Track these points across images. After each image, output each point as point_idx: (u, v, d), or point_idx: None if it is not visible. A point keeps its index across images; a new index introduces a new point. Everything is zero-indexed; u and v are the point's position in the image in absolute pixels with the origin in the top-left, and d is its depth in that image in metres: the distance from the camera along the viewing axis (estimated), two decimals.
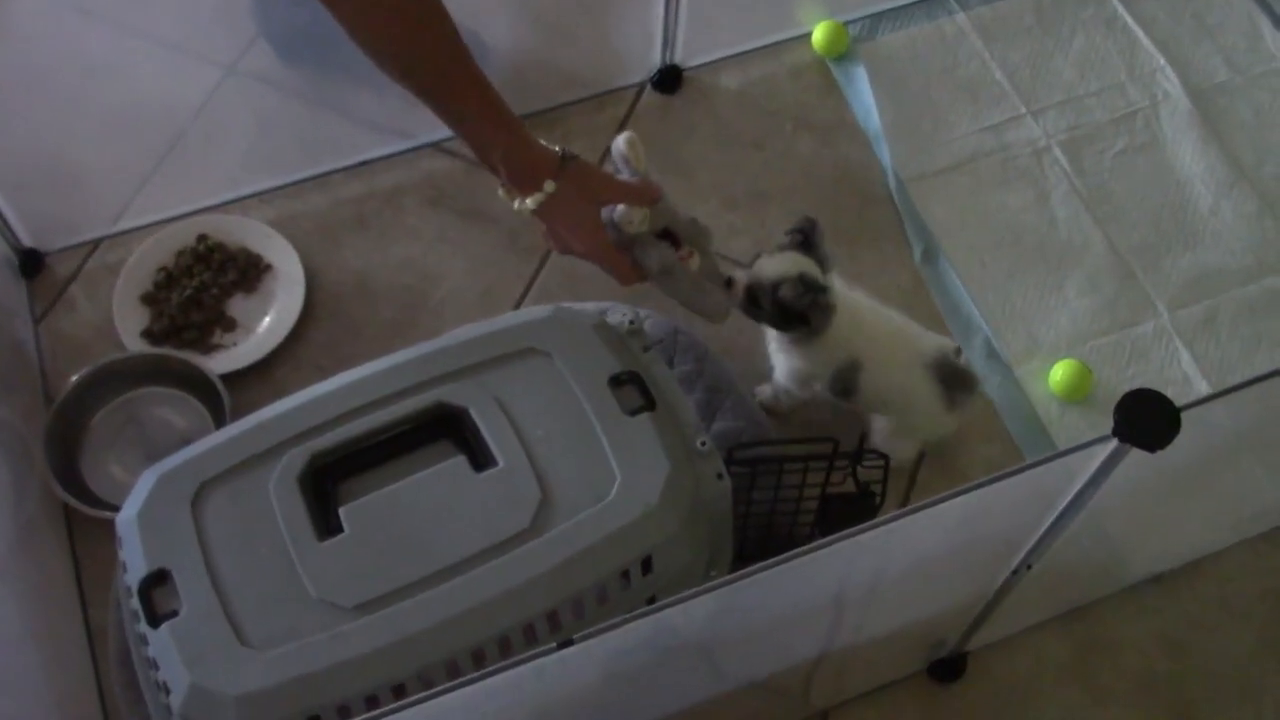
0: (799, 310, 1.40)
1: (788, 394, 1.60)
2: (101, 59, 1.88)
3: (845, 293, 1.48)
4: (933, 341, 1.52)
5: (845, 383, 1.49)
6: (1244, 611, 1.59)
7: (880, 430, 1.57)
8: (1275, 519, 1.64)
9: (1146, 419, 0.94)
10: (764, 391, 1.65)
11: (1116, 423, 0.94)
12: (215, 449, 1.27)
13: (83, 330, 1.72)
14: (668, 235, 1.41)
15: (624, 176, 1.41)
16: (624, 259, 1.39)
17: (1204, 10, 2.04)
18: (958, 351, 1.52)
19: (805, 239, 1.44)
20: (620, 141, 1.41)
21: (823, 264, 1.44)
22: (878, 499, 1.42)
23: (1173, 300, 1.77)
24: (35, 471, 1.55)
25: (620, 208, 1.36)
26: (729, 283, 1.44)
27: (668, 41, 1.88)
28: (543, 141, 1.34)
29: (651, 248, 1.39)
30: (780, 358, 1.55)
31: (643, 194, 1.37)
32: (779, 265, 1.41)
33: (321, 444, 1.25)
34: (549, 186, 1.33)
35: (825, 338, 1.45)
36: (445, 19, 1.24)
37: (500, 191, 1.38)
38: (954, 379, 1.50)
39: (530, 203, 1.34)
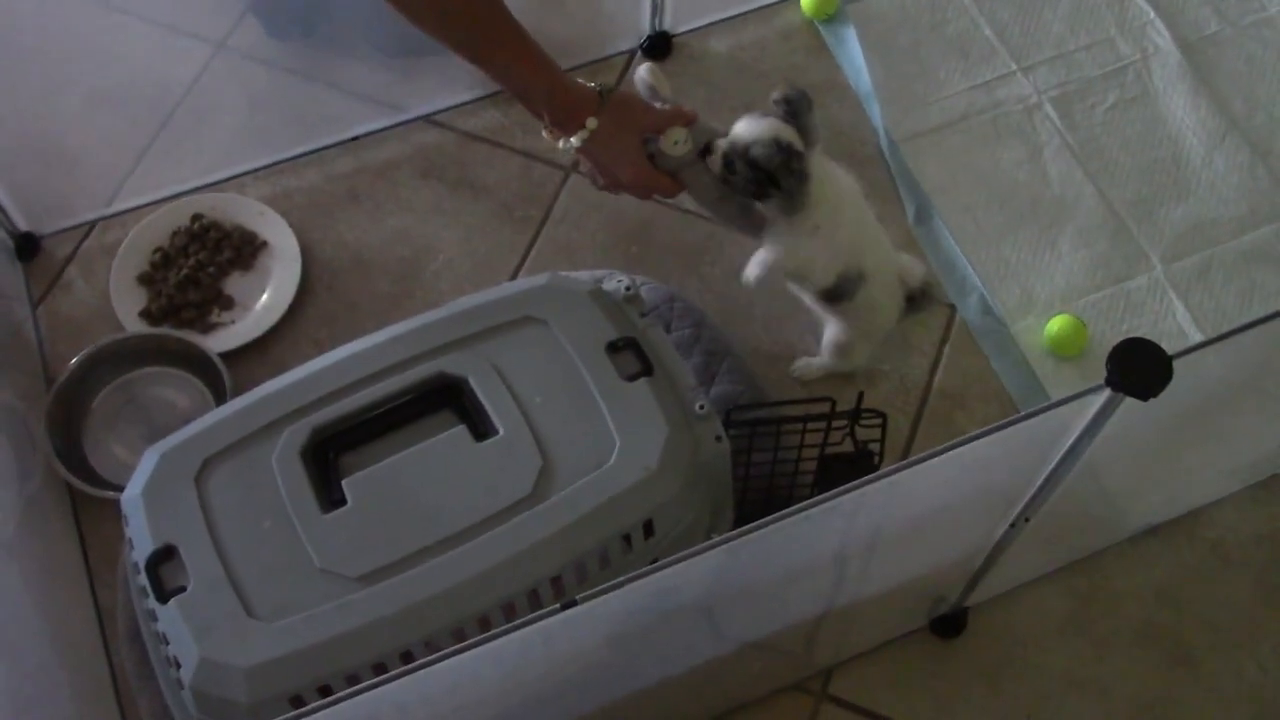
0: (769, 171, 1.36)
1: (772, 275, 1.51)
2: (90, 39, 1.88)
3: (860, 201, 1.47)
4: (907, 263, 1.56)
5: (844, 290, 1.48)
6: (1241, 560, 1.60)
7: (832, 338, 1.59)
8: (1271, 466, 1.65)
9: (1139, 368, 0.95)
10: (806, 364, 1.68)
11: (1109, 372, 0.95)
12: (217, 425, 1.28)
13: (81, 312, 1.72)
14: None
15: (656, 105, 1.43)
16: (672, 182, 1.42)
17: None
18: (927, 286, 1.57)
19: (790, 109, 1.39)
20: (643, 71, 1.42)
21: (807, 136, 1.39)
22: (876, 458, 1.42)
23: (1166, 253, 1.78)
24: (38, 453, 1.56)
25: (661, 136, 1.39)
26: (707, 149, 1.40)
27: (657, 8, 1.88)
28: (583, 83, 1.37)
29: (700, 168, 1.40)
30: (781, 242, 1.45)
31: (680, 116, 1.41)
32: (755, 128, 1.38)
33: (323, 417, 1.26)
34: (591, 123, 1.35)
35: (831, 231, 1.42)
36: None
37: (544, 134, 1.39)
38: (918, 299, 1.57)
39: (576, 140, 1.37)
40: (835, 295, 1.49)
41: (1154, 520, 1.62)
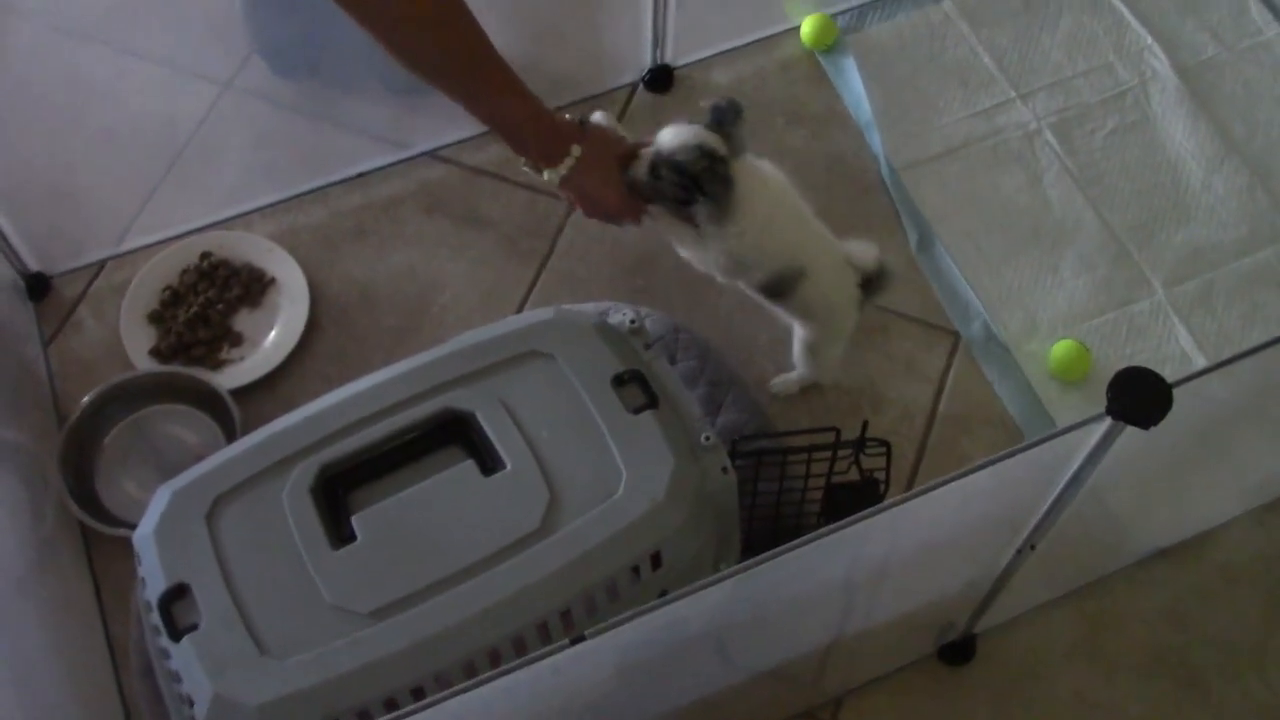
0: (693, 175, 1.36)
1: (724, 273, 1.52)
2: (98, 80, 1.90)
3: (793, 200, 1.47)
4: (857, 248, 1.51)
5: (784, 285, 1.47)
6: (1249, 581, 1.60)
7: (798, 342, 1.60)
8: (1277, 488, 1.65)
9: (1139, 396, 0.96)
10: (784, 380, 1.68)
11: (1110, 401, 0.96)
12: (227, 464, 1.29)
13: (92, 351, 1.74)
14: None
15: None
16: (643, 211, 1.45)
17: None
18: (881, 267, 1.53)
19: (717, 116, 1.40)
20: (599, 116, 1.45)
21: (732, 143, 1.39)
22: (882, 486, 1.43)
23: (1168, 277, 1.79)
24: (51, 492, 1.57)
25: (633, 165, 1.42)
26: (634, 156, 1.41)
27: (658, 41, 1.90)
28: (561, 114, 1.41)
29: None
30: (708, 246, 1.45)
31: (648, 145, 1.43)
32: (678, 135, 1.39)
33: (332, 454, 1.28)
34: (576, 150, 1.38)
35: (764, 231, 1.42)
36: (468, 16, 1.28)
37: (525, 167, 1.42)
38: (875, 281, 1.52)
39: (563, 169, 1.39)
40: (775, 291, 1.48)
41: (1161, 543, 1.63)
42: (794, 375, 1.68)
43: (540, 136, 1.38)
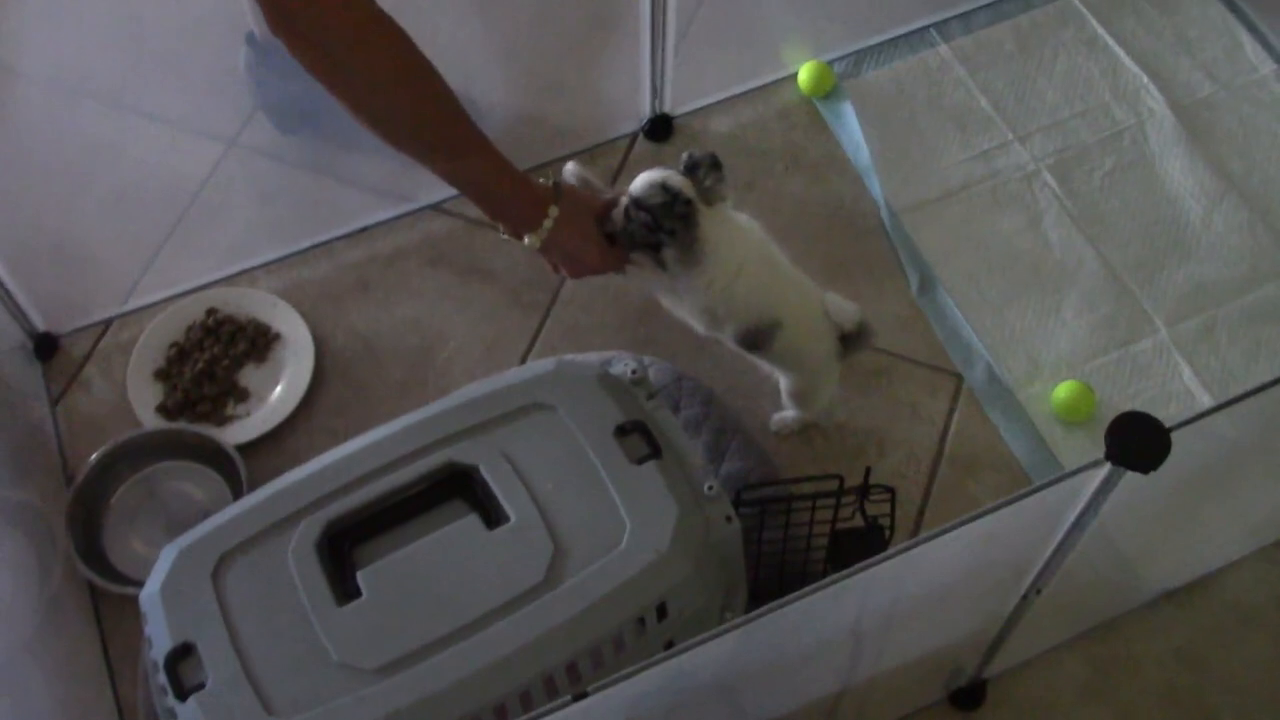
0: (651, 210, 1.37)
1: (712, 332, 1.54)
2: (104, 140, 1.92)
3: (769, 252, 1.47)
4: (837, 305, 1.51)
5: (760, 338, 1.48)
6: (1260, 620, 1.59)
7: (784, 388, 1.61)
8: None
9: (1138, 441, 0.96)
10: (782, 419, 1.68)
11: (1108, 446, 0.96)
12: (232, 521, 1.30)
13: (99, 409, 1.75)
14: None
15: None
16: (627, 258, 1.46)
17: (1183, 25, 2.06)
18: (861, 326, 1.52)
19: (690, 163, 1.42)
20: (572, 166, 1.48)
21: (705, 192, 1.41)
22: (887, 532, 1.43)
23: (1170, 315, 1.79)
24: (59, 551, 1.58)
25: (612, 215, 1.43)
26: (611, 206, 1.43)
27: (656, 91, 1.92)
28: (534, 178, 1.41)
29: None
30: (682, 295, 1.48)
31: (623, 196, 1.44)
32: (646, 176, 1.40)
33: (336, 510, 1.28)
34: (553, 211, 1.39)
35: (735, 281, 1.43)
36: (440, 84, 1.28)
37: (504, 235, 1.43)
38: (854, 339, 1.52)
39: (542, 233, 1.39)
40: (752, 343, 1.49)
41: (1171, 584, 1.62)
42: (790, 415, 1.68)
43: (516, 201, 1.38)
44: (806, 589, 0.97)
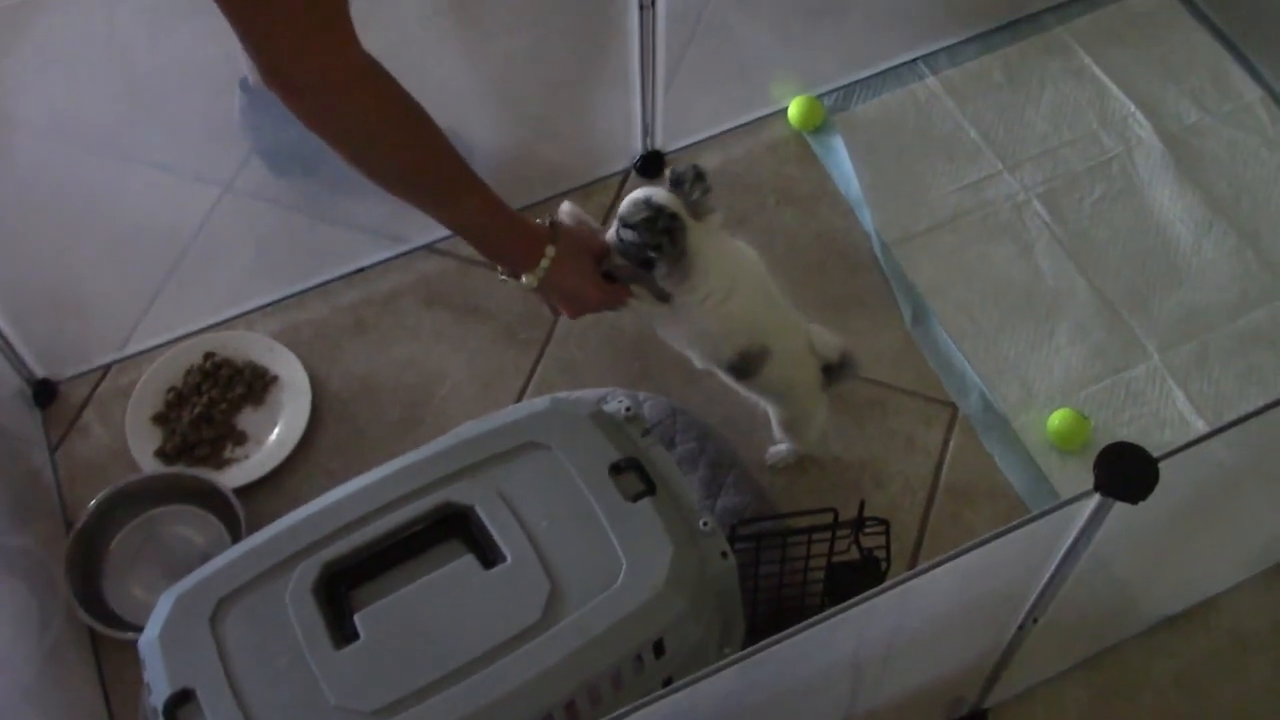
0: (633, 225, 1.38)
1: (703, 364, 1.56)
2: (101, 187, 1.94)
3: (760, 274, 1.48)
4: (822, 337, 1.52)
5: (751, 364, 1.48)
6: (1259, 646, 1.59)
7: (775, 419, 1.63)
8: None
9: (1126, 471, 0.97)
10: (777, 453, 1.69)
11: (1096, 478, 0.97)
12: (230, 566, 1.30)
13: (98, 454, 1.76)
14: None
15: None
16: (626, 292, 1.47)
17: (1169, 54, 2.08)
18: (845, 357, 1.54)
19: (676, 179, 1.42)
20: (567, 206, 1.48)
21: (693, 207, 1.42)
22: (883, 564, 1.43)
23: (1163, 341, 1.80)
24: (59, 597, 1.58)
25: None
26: (608, 248, 1.45)
27: (647, 128, 1.93)
28: (531, 218, 1.42)
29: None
30: (680, 319, 1.48)
31: None
32: (631, 196, 1.42)
33: (333, 553, 1.28)
34: (550, 251, 1.40)
35: (727, 299, 1.43)
36: (433, 129, 1.29)
37: (502, 277, 1.44)
38: (837, 370, 1.54)
39: (539, 272, 1.40)
40: (742, 372, 1.50)
41: (1170, 610, 1.62)
42: (785, 448, 1.69)
43: (513, 242, 1.40)
44: (802, 624, 0.97)
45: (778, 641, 0.97)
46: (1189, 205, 1.92)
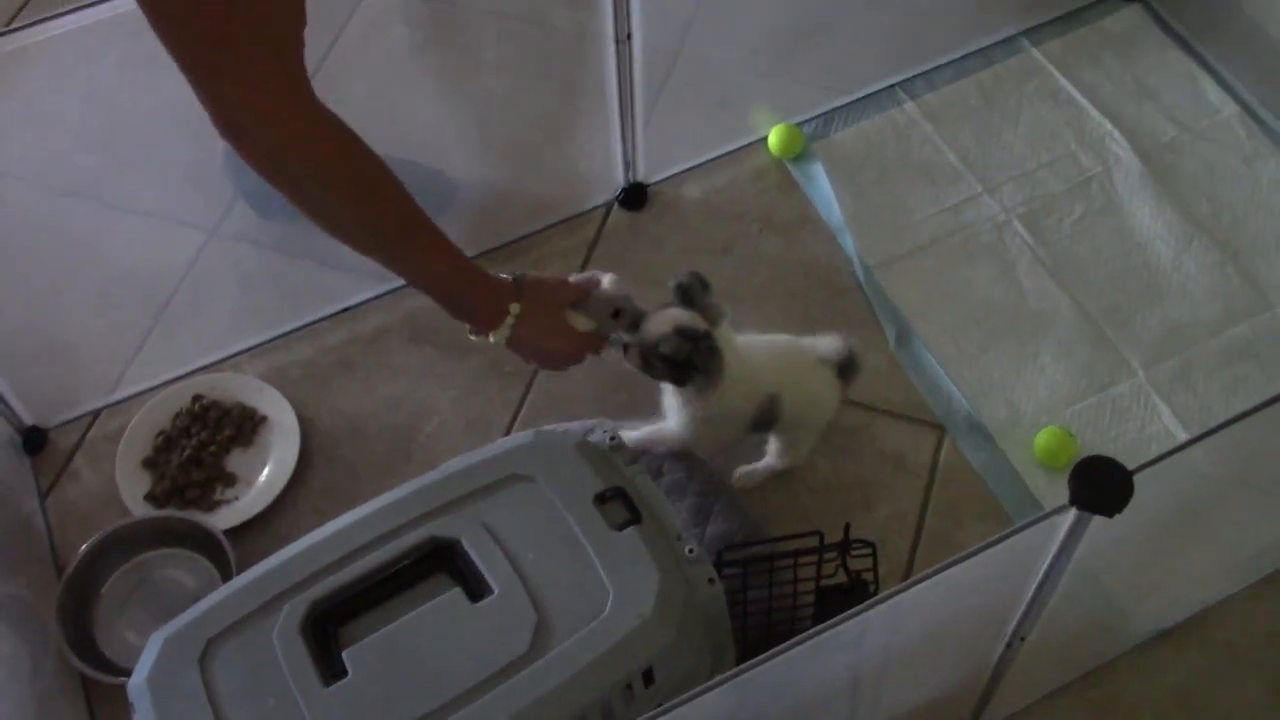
0: (682, 360, 1.43)
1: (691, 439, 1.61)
2: (87, 234, 1.95)
3: (739, 339, 1.51)
4: (825, 345, 1.59)
5: (769, 416, 1.54)
6: (1253, 659, 1.59)
7: (774, 451, 1.68)
8: (1272, 562, 1.65)
9: (1101, 485, 0.97)
10: (749, 474, 1.72)
11: (1072, 491, 0.97)
12: (217, 607, 1.30)
13: (88, 500, 1.76)
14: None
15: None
16: (600, 340, 1.48)
17: (1144, 72, 2.10)
18: (850, 352, 1.60)
19: (685, 294, 1.46)
20: (609, 284, 1.48)
21: (709, 314, 1.46)
22: (871, 587, 1.43)
23: (1146, 357, 1.81)
24: (50, 644, 1.58)
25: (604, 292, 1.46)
26: (625, 349, 1.47)
27: (628, 161, 1.95)
28: (495, 273, 1.41)
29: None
30: (684, 411, 1.54)
31: (591, 284, 1.46)
32: (658, 323, 1.44)
33: (320, 590, 1.29)
34: (515, 308, 1.39)
35: (734, 383, 1.48)
36: (393, 184, 1.27)
37: (470, 336, 1.43)
38: (849, 367, 1.60)
39: (505, 329, 1.40)
40: (763, 425, 1.55)
41: (1163, 624, 1.62)
42: (760, 465, 1.71)
43: (476, 299, 1.38)
44: (787, 643, 0.98)
45: (763, 661, 0.98)
46: (1169, 222, 1.93)
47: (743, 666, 0.98)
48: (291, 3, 1.12)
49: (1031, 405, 1.78)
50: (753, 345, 1.52)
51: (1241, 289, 1.86)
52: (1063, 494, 1.68)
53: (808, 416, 1.62)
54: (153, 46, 1.16)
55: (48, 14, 1.42)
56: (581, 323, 1.46)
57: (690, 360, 1.42)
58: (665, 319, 1.44)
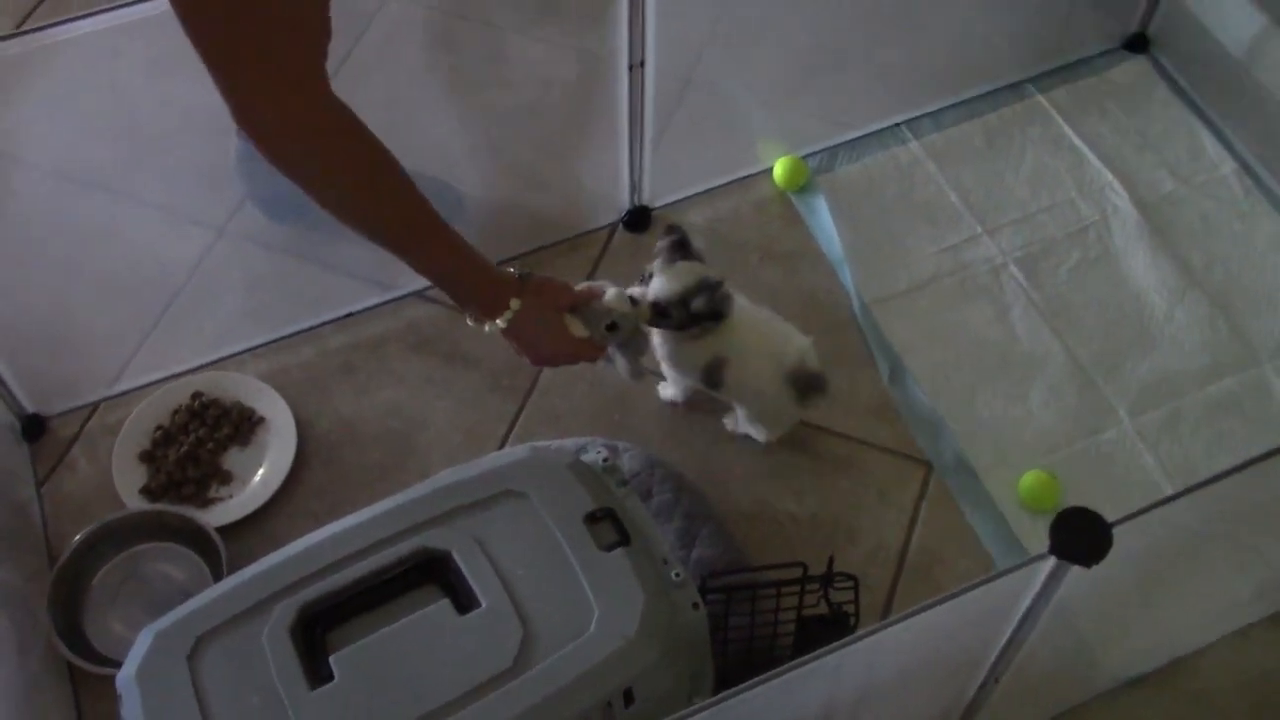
0: (715, 309, 1.55)
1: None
2: (97, 226, 1.97)
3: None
4: (794, 345, 1.66)
5: (713, 376, 1.65)
6: (1224, 708, 1.61)
7: (740, 417, 1.76)
8: (1246, 614, 1.67)
9: (1080, 536, 1.00)
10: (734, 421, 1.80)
11: (1052, 541, 1.00)
12: (209, 604, 1.32)
13: (84, 490, 1.78)
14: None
15: None
16: (595, 349, 1.55)
17: (1146, 124, 2.14)
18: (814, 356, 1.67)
19: (682, 243, 1.57)
20: (611, 295, 1.54)
21: (702, 260, 1.58)
22: (852, 619, 1.46)
23: (1134, 406, 1.83)
24: (39, 632, 1.60)
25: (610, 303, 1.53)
26: (632, 302, 1.54)
27: (635, 184, 1.98)
28: (501, 268, 1.46)
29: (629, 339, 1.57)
30: (666, 349, 1.66)
31: (591, 294, 1.53)
32: (680, 278, 1.55)
33: (311, 594, 1.31)
34: (515, 304, 1.44)
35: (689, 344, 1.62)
36: (402, 177, 1.33)
37: (469, 321, 1.48)
38: (807, 384, 1.66)
39: (501, 322, 1.45)
40: (710, 382, 1.66)
41: (1136, 671, 1.64)
42: (733, 421, 1.80)
43: (479, 290, 1.44)
44: (769, 673, 1.00)
45: (745, 690, 1.00)
46: (1163, 273, 1.96)
47: (727, 693, 1.00)
48: (316, 13, 1.17)
49: (1018, 447, 1.80)
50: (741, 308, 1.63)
51: (1231, 343, 1.89)
52: (1044, 537, 1.73)
53: (748, 397, 1.70)
54: (170, 49, 1.20)
55: (75, 14, 1.44)
56: (576, 328, 1.51)
57: (714, 308, 1.54)
58: (687, 273, 1.54)
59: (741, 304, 1.64)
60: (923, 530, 1.75)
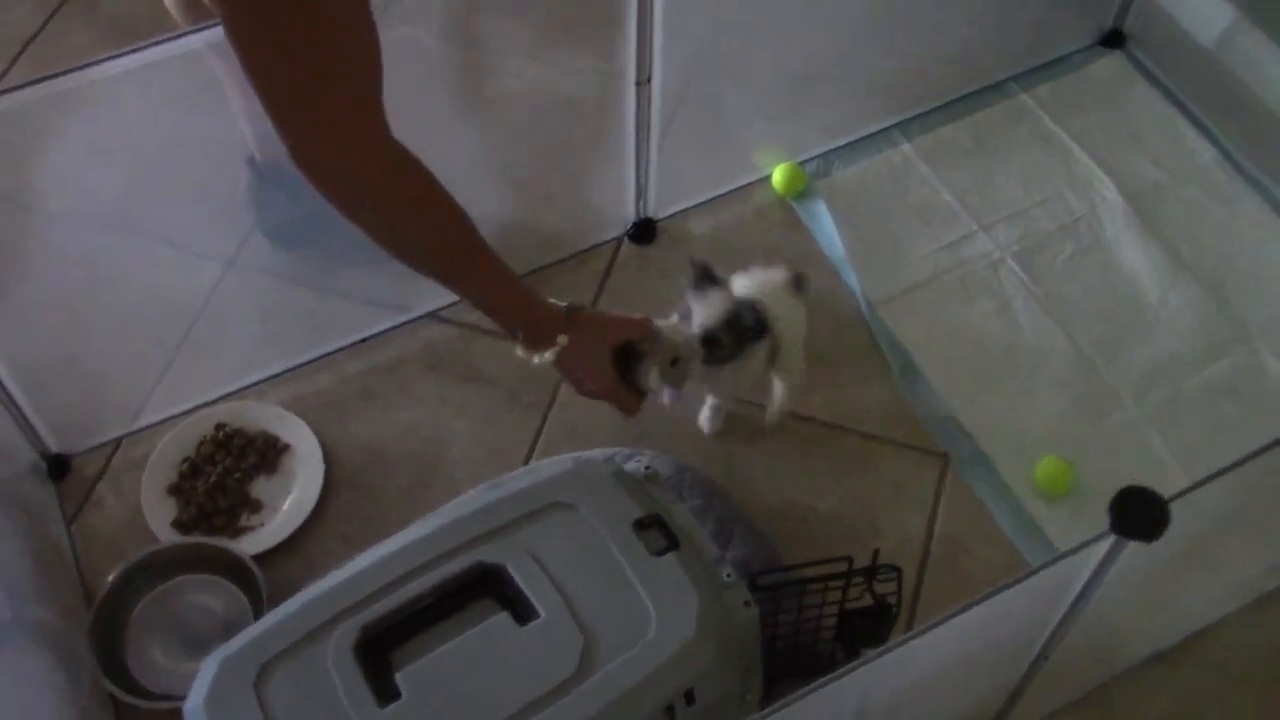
0: (759, 328, 1.65)
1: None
2: (110, 264, 1.96)
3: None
4: (784, 278, 1.76)
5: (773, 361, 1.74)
6: (1245, 676, 1.67)
7: (777, 395, 1.82)
8: (1263, 585, 1.73)
9: (1140, 513, 1.05)
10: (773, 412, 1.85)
11: (1112, 520, 1.04)
12: (271, 630, 1.34)
13: (113, 526, 1.78)
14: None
15: None
16: (635, 397, 1.56)
17: (1129, 119, 2.20)
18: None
19: (707, 274, 1.64)
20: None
21: (729, 287, 1.67)
22: (895, 609, 1.50)
23: (1136, 389, 1.89)
24: (83, 668, 1.60)
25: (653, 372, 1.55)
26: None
27: (640, 197, 2.01)
28: (549, 300, 1.48)
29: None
30: (733, 378, 1.71)
31: (639, 326, 1.54)
32: (720, 307, 1.61)
33: (371, 615, 1.33)
34: (562, 339, 1.46)
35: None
36: (462, 217, 1.35)
37: (518, 351, 1.49)
38: (801, 284, 1.77)
39: (549, 356, 1.47)
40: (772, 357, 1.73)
41: (1159, 646, 1.69)
42: (775, 408, 1.83)
43: (527, 325, 1.45)
44: (831, 675, 1.02)
45: (807, 694, 1.02)
46: (1154, 260, 2.02)
47: (819, 682, 1.02)
48: (372, 51, 1.18)
49: (1030, 435, 1.85)
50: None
51: (1224, 325, 1.95)
52: (1062, 520, 1.78)
53: (794, 349, 1.77)
54: (176, 87, 1.20)
55: (77, 64, 1.43)
56: (646, 377, 1.54)
57: (763, 326, 1.64)
58: (725, 301, 1.62)
59: (742, 282, 1.71)
60: (943, 521, 1.79)
